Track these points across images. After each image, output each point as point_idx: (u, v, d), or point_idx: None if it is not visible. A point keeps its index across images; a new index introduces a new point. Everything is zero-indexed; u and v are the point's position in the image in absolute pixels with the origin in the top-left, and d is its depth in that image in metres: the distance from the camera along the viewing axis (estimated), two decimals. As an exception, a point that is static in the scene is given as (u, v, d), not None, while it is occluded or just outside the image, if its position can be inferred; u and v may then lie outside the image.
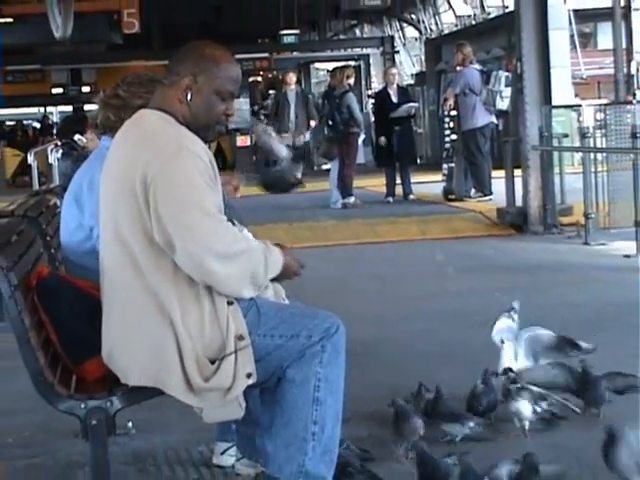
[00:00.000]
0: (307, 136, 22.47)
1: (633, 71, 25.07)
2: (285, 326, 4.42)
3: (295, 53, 39.60)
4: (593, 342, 7.29)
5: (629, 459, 4.67)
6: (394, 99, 20.04)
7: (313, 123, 22.73)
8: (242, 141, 29.91)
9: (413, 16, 39.19)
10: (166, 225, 4.20)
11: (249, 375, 4.26)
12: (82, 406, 4.34)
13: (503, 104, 18.47)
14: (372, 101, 25.08)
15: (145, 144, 4.37)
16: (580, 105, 15.27)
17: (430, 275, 11.48)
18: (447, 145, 19.82)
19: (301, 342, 4.39)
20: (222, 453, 5.32)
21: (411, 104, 20.31)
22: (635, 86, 24.71)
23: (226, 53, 4.57)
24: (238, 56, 5.82)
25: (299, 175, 18.65)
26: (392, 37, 40.57)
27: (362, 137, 21.03)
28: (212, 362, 4.25)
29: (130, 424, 5.94)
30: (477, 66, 19.40)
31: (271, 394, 4.49)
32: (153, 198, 4.20)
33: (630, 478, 4.67)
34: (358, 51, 40.06)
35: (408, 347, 7.00)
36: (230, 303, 4.31)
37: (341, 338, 4.46)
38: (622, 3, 25.32)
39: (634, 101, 19.60)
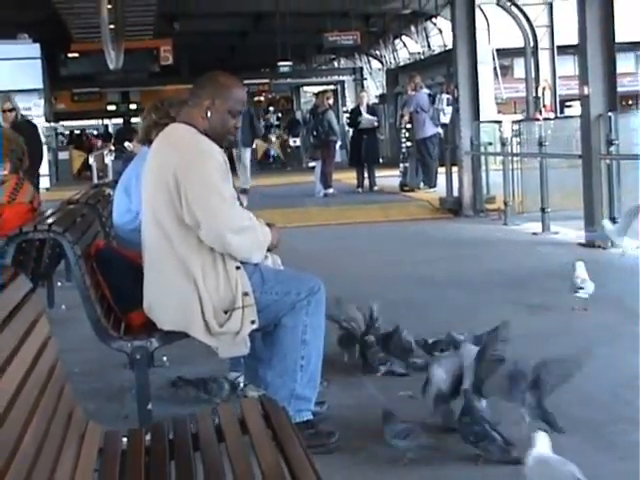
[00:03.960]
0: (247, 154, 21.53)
1: (540, 94, 25.08)
2: (280, 286, 4.46)
3: (288, 79, 39.44)
4: (510, 299, 7.37)
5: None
6: (364, 114, 20.13)
7: (257, 141, 21.98)
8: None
9: (377, 52, 39.08)
10: (194, 210, 4.24)
11: (253, 322, 4.31)
12: (129, 345, 4.36)
13: (445, 119, 18.57)
14: (347, 115, 25.04)
15: (176, 149, 4.40)
16: (501, 120, 15.27)
17: (391, 248, 11.49)
18: (403, 149, 19.93)
19: (292, 298, 4.43)
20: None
21: (372, 117, 20.37)
22: (541, 105, 24.72)
23: (236, 81, 4.60)
24: (245, 81, 5.82)
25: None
26: (361, 68, 40.51)
27: (339, 143, 21.14)
28: (225, 312, 4.28)
29: (165, 359, 5.95)
30: (426, 90, 19.48)
31: (270, 337, 4.52)
32: (183, 189, 4.24)
33: None
34: (336, 78, 40.00)
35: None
36: (238, 268, 4.35)
37: (322, 294, 4.51)
38: (531, 44, 25.36)
39: (540, 117, 19.67)
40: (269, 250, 4.64)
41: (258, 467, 2.52)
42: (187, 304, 4.28)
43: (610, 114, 10.07)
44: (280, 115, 39.26)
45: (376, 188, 19.89)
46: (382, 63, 38.87)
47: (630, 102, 35.39)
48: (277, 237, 4.63)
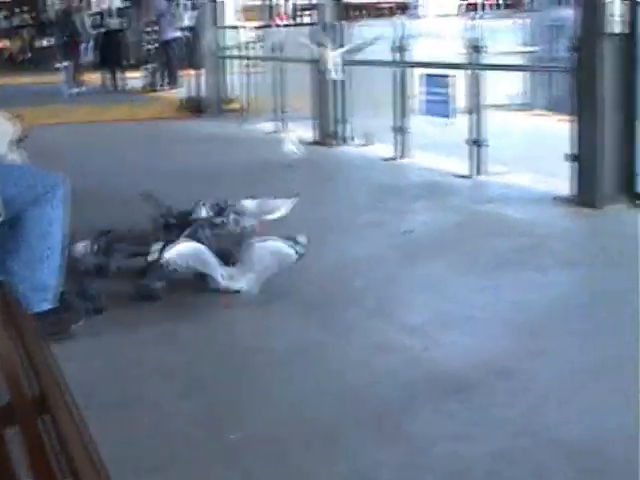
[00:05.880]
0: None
1: (277, 3, 25.13)
2: (25, 180, 4.27)
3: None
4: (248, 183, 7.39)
5: None
6: (111, 18, 19.74)
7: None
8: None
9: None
10: None
11: (-4, 214, 4.13)
12: None
13: (188, 22, 18.34)
14: (96, 17, 24.24)
15: None
16: (242, 26, 15.21)
17: (138, 144, 11.35)
18: (148, 51, 19.68)
19: (36, 191, 4.24)
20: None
21: (119, 20, 20.04)
22: (278, 13, 24.77)
23: None
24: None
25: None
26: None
27: (88, 44, 20.62)
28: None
29: None
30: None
31: (16, 229, 4.32)
32: None
33: None
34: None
35: (120, 193, 6.94)
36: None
37: (66, 189, 4.34)
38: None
39: (278, 23, 19.71)
40: (18, 142, 4.44)
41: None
42: None
43: (340, 22, 10.25)
44: (30, 15, 37.33)
45: (124, 88, 19.59)
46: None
47: (357, 12, 36.05)
48: (25, 129, 4.43)
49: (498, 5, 21.60)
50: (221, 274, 4.64)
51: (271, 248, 4.73)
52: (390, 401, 3.46)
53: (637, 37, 6.60)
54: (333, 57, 9.24)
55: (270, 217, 5.40)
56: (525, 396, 3.45)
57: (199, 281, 4.78)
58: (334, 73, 9.52)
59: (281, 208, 5.43)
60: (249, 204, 5.52)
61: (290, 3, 25.42)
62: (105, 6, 26.75)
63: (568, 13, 8.74)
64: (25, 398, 2.01)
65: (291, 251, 4.71)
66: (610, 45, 6.55)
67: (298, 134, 10.43)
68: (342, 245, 5.95)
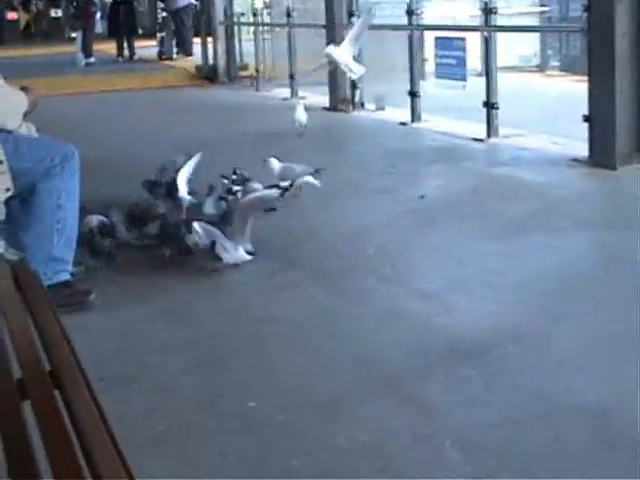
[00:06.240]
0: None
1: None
2: (35, 153, 4.24)
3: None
4: (261, 151, 7.35)
5: None
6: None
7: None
8: (10, 16, 28.19)
9: None
10: None
11: (7, 189, 4.10)
12: None
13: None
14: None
15: None
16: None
17: (152, 112, 11.32)
18: (160, 20, 19.59)
19: (46, 164, 4.22)
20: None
21: None
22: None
23: None
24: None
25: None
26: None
27: (98, 14, 20.49)
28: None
29: None
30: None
31: (27, 202, 4.31)
32: None
33: None
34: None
35: (132, 161, 6.88)
36: (-11, 137, 4.11)
37: (76, 161, 4.31)
38: None
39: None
40: (25, 114, 4.40)
41: (6, 327, 2.42)
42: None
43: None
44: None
45: (135, 57, 19.52)
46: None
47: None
48: (33, 101, 4.39)
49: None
50: (222, 244, 4.64)
51: (256, 200, 4.84)
52: (405, 367, 3.44)
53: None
54: (340, 54, 8.23)
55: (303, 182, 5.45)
56: (541, 361, 3.43)
57: (211, 251, 4.75)
58: (349, 73, 8.65)
59: (303, 175, 5.48)
60: (275, 164, 5.62)
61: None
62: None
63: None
64: (38, 373, 2.00)
65: (274, 192, 4.73)
66: (623, 3, 6.45)
67: (309, 102, 10.36)
68: (357, 211, 5.91)
